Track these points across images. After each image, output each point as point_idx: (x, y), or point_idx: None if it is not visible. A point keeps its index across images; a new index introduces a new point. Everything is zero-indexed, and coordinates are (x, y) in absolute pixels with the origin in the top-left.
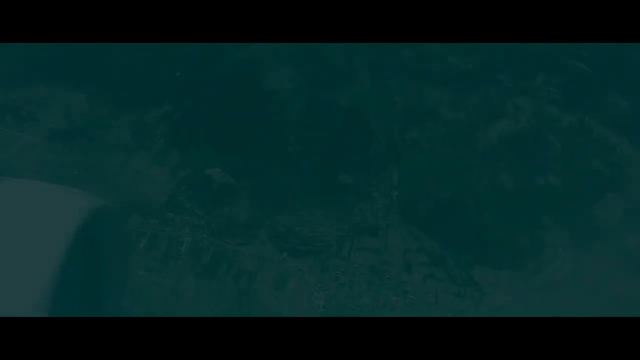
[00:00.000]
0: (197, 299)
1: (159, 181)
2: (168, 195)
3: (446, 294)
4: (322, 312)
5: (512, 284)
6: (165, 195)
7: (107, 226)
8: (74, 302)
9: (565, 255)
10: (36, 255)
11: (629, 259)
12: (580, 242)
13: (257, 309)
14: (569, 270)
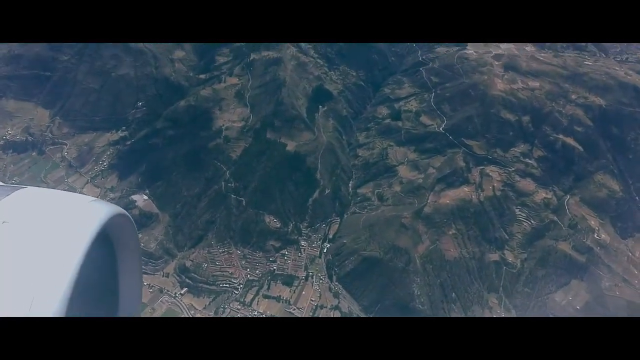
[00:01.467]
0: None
1: None
2: None
3: None
4: None
5: None
6: None
7: (122, 232)
8: (91, 304)
9: None
10: (56, 259)
11: None
12: None
13: None
14: None
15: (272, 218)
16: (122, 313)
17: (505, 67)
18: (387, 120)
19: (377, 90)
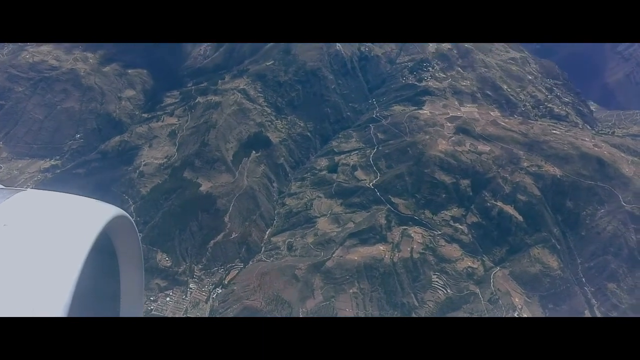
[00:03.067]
0: None
1: None
2: None
3: None
4: None
5: None
6: None
7: (123, 234)
8: (93, 307)
9: None
10: (58, 262)
11: None
12: None
13: None
14: None
15: (164, 256)
16: (124, 315)
17: (458, 129)
18: (324, 172)
19: (326, 142)
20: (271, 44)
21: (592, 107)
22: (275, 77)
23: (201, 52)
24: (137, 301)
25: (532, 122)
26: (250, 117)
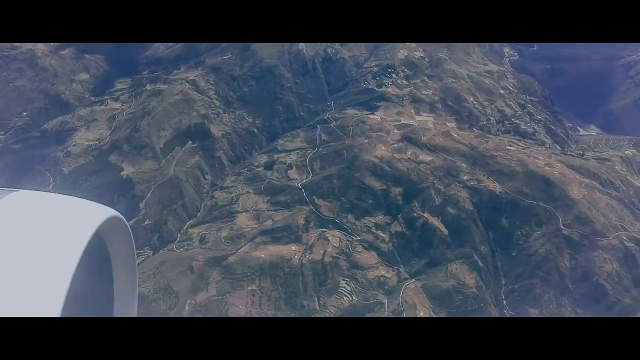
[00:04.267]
0: None
1: None
2: None
3: None
4: None
5: None
6: None
7: (117, 235)
8: (86, 308)
9: None
10: (52, 262)
11: None
12: None
13: None
14: None
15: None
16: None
17: (403, 136)
18: (260, 169)
19: (272, 140)
20: (237, 44)
21: (589, 131)
22: (229, 71)
23: (165, 43)
24: (130, 303)
25: (490, 136)
26: (194, 107)
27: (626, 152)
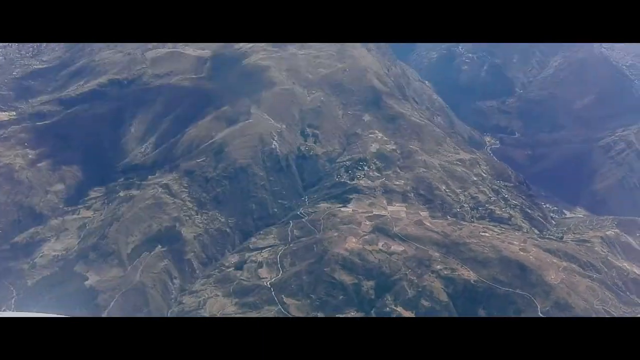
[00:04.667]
0: None
1: None
2: None
3: None
4: None
5: None
6: None
7: None
8: None
9: None
10: None
11: None
12: None
13: None
14: None
15: None
16: None
17: (375, 227)
18: (230, 269)
19: (246, 239)
20: (208, 142)
21: (575, 213)
22: (203, 173)
23: (142, 150)
24: None
25: (464, 223)
26: (166, 211)
27: (608, 233)
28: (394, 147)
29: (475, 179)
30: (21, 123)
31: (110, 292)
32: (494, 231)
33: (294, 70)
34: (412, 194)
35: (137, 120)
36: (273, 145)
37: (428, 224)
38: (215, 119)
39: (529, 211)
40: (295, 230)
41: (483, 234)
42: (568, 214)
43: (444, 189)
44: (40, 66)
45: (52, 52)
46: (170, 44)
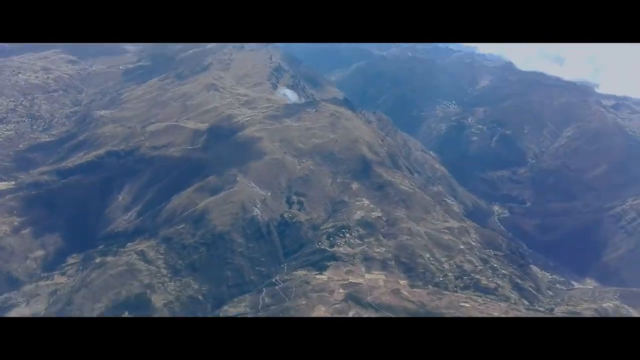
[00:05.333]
0: None
1: None
2: None
3: None
4: None
5: None
6: None
7: None
8: None
9: None
10: None
11: None
12: None
13: None
14: None
15: None
16: None
17: (348, 296)
18: None
19: (219, 306)
20: (190, 210)
21: (585, 284)
22: (181, 240)
23: (126, 218)
24: None
25: (445, 293)
26: (138, 278)
27: (605, 305)
28: (379, 215)
29: (462, 247)
30: (17, 192)
31: None
32: (476, 302)
33: (287, 140)
34: (393, 262)
35: (125, 190)
36: (255, 213)
37: (405, 293)
38: (200, 188)
39: (519, 281)
40: (266, 298)
41: (463, 304)
42: (576, 285)
43: (428, 257)
44: (47, 139)
45: (61, 127)
46: (172, 119)
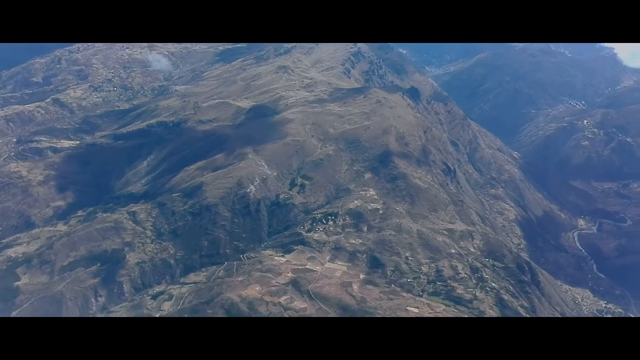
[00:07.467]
0: None
1: None
2: None
3: None
4: None
5: None
6: None
7: None
8: None
9: None
10: None
11: None
12: None
13: None
14: None
15: None
16: None
17: (291, 281)
18: (148, 298)
19: (187, 273)
20: (192, 180)
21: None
22: (173, 207)
23: (142, 182)
24: None
25: (404, 295)
26: (121, 235)
27: None
28: (377, 207)
29: (453, 251)
30: (76, 150)
31: (29, 295)
32: (434, 309)
33: (318, 124)
34: (364, 256)
35: (151, 157)
36: (248, 190)
37: (354, 288)
38: (211, 162)
39: (509, 298)
40: (221, 272)
41: (411, 308)
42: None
43: (406, 257)
44: (123, 107)
45: (142, 98)
46: (231, 97)
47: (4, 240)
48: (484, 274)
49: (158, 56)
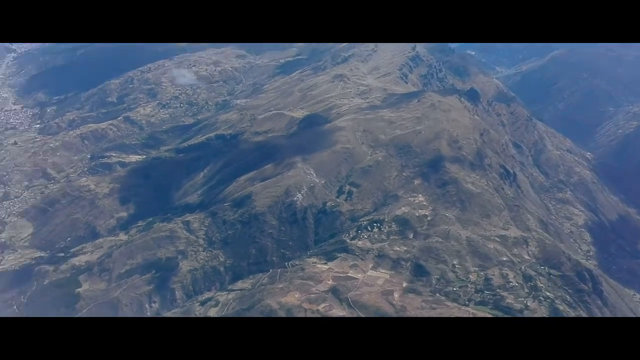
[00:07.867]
0: None
1: None
2: None
3: None
4: None
5: None
6: None
7: None
8: None
9: None
10: None
11: None
12: None
13: None
14: None
15: None
16: None
17: (331, 289)
18: (197, 305)
19: (236, 280)
20: (244, 190)
21: None
22: (224, 216)
23: (198, 193)
24: None
25: (448, 304)
26: (175, 244)
27: None
28: (426, 213)
29: (505, 259)
30: (141, 164)
31: (89, 300)
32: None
33: (369, 131)
34: (408, 264)
35: (208, 168)
36: (295, 198)
37: (395, 296)
38: (261, 172)
39: (565, 308)
40: (266, 279)
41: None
42: None
43: (453, 264)
44: (187, 122)
45: (206, 112)
46: (286, 108)
47: (71, 250)
48: (538, 283)
49: (222, 72)
